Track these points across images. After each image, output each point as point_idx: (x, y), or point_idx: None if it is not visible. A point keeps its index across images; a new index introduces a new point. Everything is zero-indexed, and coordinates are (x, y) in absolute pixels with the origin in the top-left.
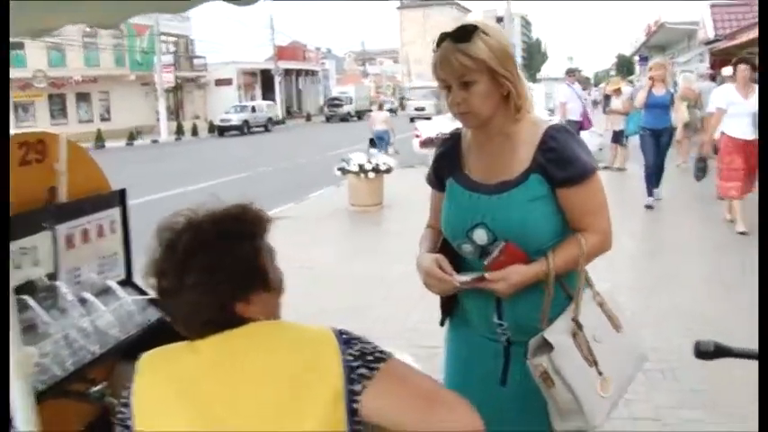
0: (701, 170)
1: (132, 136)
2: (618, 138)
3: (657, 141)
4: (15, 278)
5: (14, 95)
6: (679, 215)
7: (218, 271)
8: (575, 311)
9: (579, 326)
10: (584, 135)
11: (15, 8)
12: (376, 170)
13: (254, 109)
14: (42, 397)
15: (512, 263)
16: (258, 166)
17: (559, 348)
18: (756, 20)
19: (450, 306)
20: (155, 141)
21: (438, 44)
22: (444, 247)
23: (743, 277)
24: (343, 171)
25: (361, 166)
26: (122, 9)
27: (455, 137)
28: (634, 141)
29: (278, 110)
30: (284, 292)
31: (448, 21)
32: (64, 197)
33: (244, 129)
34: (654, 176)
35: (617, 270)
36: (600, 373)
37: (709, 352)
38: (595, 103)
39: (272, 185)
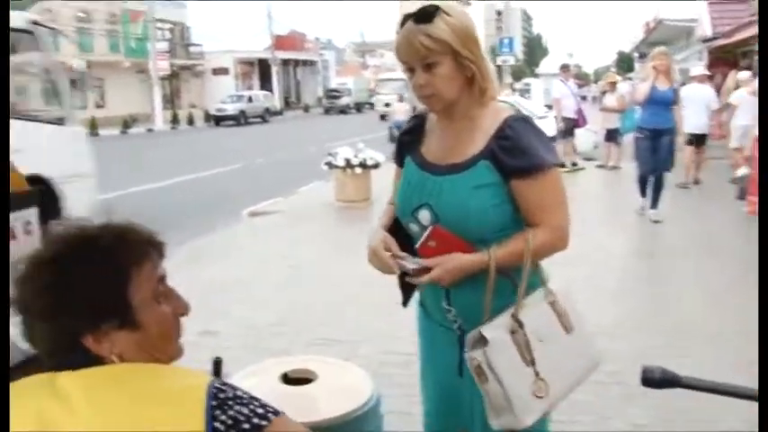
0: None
1: (127, 124)
2: (612, 136)
3: (656, 145)
4: None
5: None
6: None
7: (64, 295)
8: (516, 308)
9: (520, 323)
10: (578, 133)
11: None
12: (363, 165)
13: (250, 99)
14: None
15: (446, 249)
16: (253, 156)
17: (494, 344)
18: (753, 18)
19: (408, 287)
20: (150, 130)
21: (401, 26)
22: (398, 225)
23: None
24: (330, 165)
25: (347, 161)
26: None
27: (422, 117)
28: (629, 138)
29: (275, 100)
30: (170, 336)
31: None
32: None
33: (240, 119)
34: (652, 188)
35: (599, 275)
36: (537, 373)
37: (654, 379)
38: (594, 99)
39: (265, 177)
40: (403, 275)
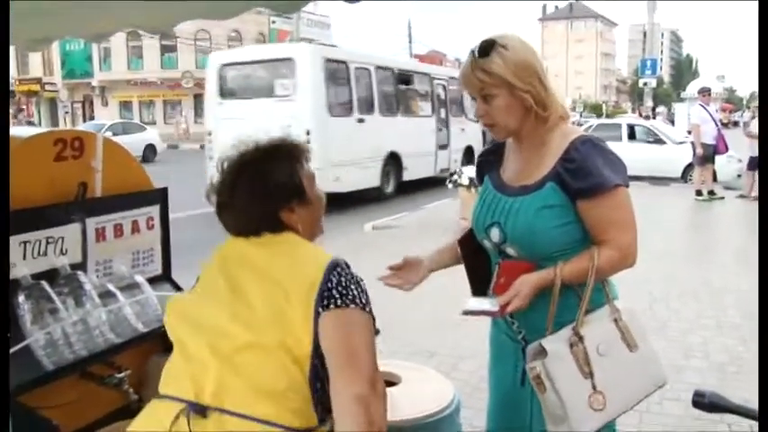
0: None
1: None
2: (755, 164)
3: None
4: (40, 265)
5: (164, 94)
6: None
7: (261, 184)
8: (577, 322)
9: (580, 337)
10: (719, 160)
11: (62, 11)
12: (476, 186)
13: None
14: (54, 376)
15: (515, 277)
16: None
17: (553, 356)
18: None
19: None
20: None
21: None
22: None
23: None
24: (455, 184)
25: (471, 180)
26: (170, 14)
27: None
28: None
29: None
30: (322, 212)
31: (592, 34)
32: (98, 193)
33: None
34: None
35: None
36: (594, 386)
37: (704, 404)
38: (746, 125)
39: (397, 192)
40: (475, 279)
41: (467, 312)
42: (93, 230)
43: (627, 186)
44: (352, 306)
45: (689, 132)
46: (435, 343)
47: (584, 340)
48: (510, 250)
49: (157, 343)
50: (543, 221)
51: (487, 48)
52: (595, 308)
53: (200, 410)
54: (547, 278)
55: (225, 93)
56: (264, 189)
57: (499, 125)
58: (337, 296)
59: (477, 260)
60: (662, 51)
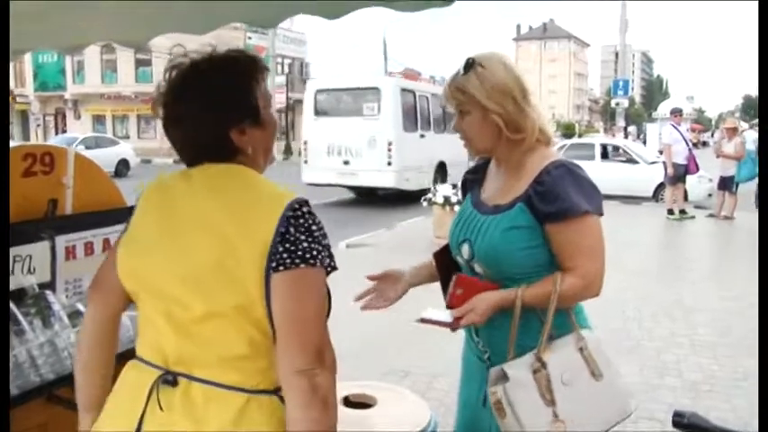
0: None
1: None
2: (726, 184)
3: None
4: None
5: (138, 109)
6: None
7: (213, 98)
8: (539, 348)
9: (543, 364)
10: (690, 180)
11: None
12: (461, 202)
13: None
14: (19, 401)
15: (473, 293)
16: None
17: (515, 382)
18: None
19: None
20: None
21: None
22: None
23: None
24: (429, 202)
25: (446, 198)
26: (146, 28)
27: (488, 158)
28: (746, 188)
29: None
30: (274, 138)
31: (565, 54)
32: (69, 210)
33: None
34: None
35: (698, 324)
36: (556, 415)
37: (683, 424)
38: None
39: (372, 208)
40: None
41: (422, 320)
42: (63, 248)
43: (599, 215)
44: (303, 265)
45: (660, 152)
46: (409, 362)
47: (548, 367)
48: (477, 268)
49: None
50: (509, 242)
51: (467, 66)
52: (561, 334)
53: (170, 380)
54: (507, 298)
55: (319, 112)
56: (216, 104)
57: (472, 141)
58: (286, 256)
59: (451, 275)
60: (633, 72)
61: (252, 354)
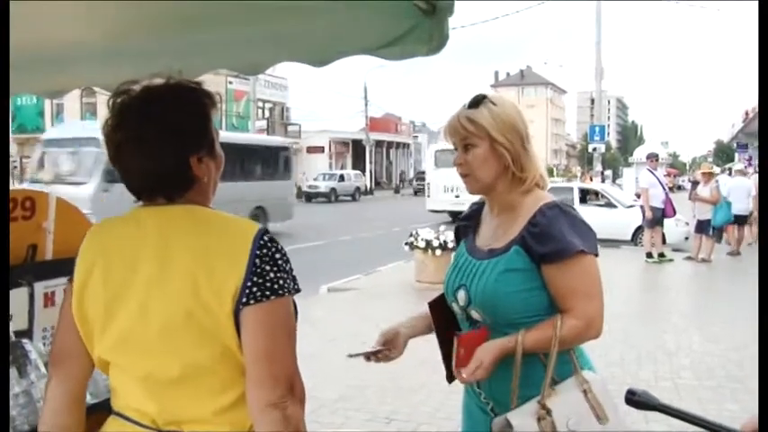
0: None
1: None
2: (702, 227)
3: None
4: None
5: None
6: None
7: (172, 122)
8: (542, 395)
9: (547, 410)
10: (668, 223)
11: (18, 69)
12: (443, 247)
13: (342, 178)
14: None
15: (474, 346)
16: (339, 234)
17: (520, 431)
18: None
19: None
20: None
21: None
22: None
23: None
24: (411, 246)
25: (428, 242)
26: (128, 73)
27: (481, 204)
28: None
29: (366, 180)
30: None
31: (543, 100)
32: (49, 255)
33: (331, 196)
34: None
35: (681, 368)
36: None
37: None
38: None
39: (348, 254)
40: (447, 354)
41: (351, 355)
42: (42, 295)
43: (595, 255)
44: (273, 297)
45: (638, 196)
46: (392, 409)
47: (553, 414)
48: (474, 314)
49: (107, 414)
50: (506, 285)
51: (478, 101)
52: (563, 378)
53: None
54: (508, 345)
55: (438, 164)
56: (176, 128)
57: (474, 175)
58: (256, 290)
59: (447, 325)
60: (609, 117)
61: (240, 398)
